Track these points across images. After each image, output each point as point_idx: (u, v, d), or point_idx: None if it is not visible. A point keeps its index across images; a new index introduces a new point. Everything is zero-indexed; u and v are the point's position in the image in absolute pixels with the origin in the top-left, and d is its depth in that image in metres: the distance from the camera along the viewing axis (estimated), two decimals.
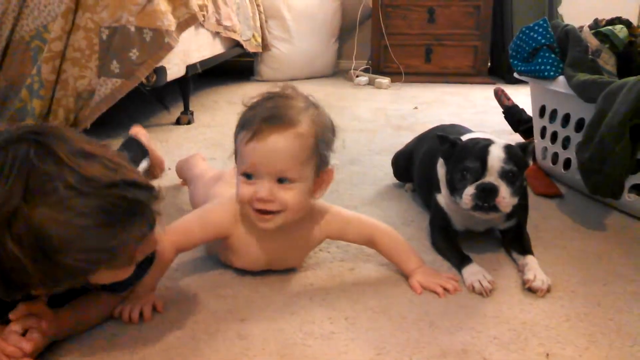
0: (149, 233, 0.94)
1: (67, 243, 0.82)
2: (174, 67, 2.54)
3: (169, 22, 2.34)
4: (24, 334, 0.94)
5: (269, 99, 1.15)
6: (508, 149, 1.34)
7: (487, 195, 1.30)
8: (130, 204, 0.87)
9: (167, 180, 1.92)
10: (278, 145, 1.10)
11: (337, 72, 4.59)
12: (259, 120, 1.10)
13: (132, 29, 2.27)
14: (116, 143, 2.21)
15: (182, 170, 1.83)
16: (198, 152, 1.98)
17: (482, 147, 1.34)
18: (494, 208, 1.31)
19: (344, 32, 4.60)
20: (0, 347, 0.92)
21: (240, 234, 1.23)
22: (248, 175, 1.13)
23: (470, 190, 1.31)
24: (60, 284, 0.88)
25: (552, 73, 1.85)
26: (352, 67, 4.39)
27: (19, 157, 0.82)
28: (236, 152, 1.17)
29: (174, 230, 1.21)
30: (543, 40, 1.88)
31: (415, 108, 3.27)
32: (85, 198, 0.82)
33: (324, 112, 1.19)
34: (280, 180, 1.12)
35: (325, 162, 1.18)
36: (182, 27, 2.47)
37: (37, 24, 2.26)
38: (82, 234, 0.83)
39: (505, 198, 1.30)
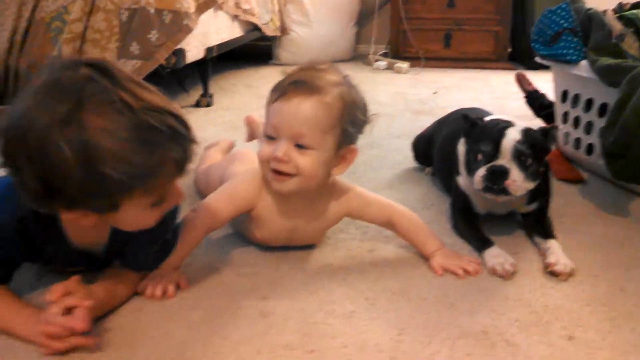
0: (182, 171, 0.95)
1: (111, 151, 0.85)
2: (193, 49, 2.54)
3: (188, 4, 2.34)
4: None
5: (305, 69, 1.18)
6: (526, 132, 1.32)
7: (497, 177, 1.29)
8: (173, 131, 0.90)
9: None
10: (300, 107, 1.11)
11: (356, 56, 4.57)
12: (287, 83, 1.13)
13: (152, 10, 2.27)
14: None
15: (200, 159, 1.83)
16: (225, 138, 1.97)
17: (499, 129, 1.33)
18: (504, 191, 1.30)
19: (363, 16, 4.57)
20: (45, 331, 0.93)
21: (264, 205, 1.24)
22: (270, 136, 1.15)
23: (481, 171, 1.31)
24: (95, 199, 0.89)
25: (574, 57, 1.83)
26: (371, 52, 4.37)
27: (80, 72, 0.86)
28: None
29: (202, 210, 1.22)
30: (566, 24, 1.86)
31: (435, 93, 3.25)
32: (134, 114, 0.86)
33: (358, 92, 1.20)
34: (299, 146, 1.13)
35: (349, 139, 1.19)
36: (201, 9, 2.47)
37: (58, 5, 2.27)
38: (126, 145, 0.85)
39: (516, 181, 1.29)
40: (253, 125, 1.82)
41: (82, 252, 1.08)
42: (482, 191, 1.33)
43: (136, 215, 0.96)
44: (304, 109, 1.11)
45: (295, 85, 1.12)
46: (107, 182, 0.86)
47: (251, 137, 1.85)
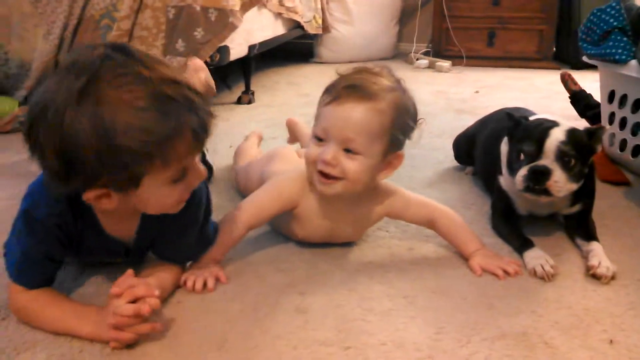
0: (199, 144, 0.95)
1: (127, 122, 0.86)
2: (237, 46, 2.57)
3: (234, 1, 2.38)
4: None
5: (359, 72, 1.18)
6: (571, 133, 1.30)
7: (538, 177, 1.28)
8: (189, 101, 0.91)
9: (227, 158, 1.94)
10: (353, 113, 1.12)
11: (397, 54, 4.56)
12: (342, 87, 1.13)
13: (198, 8, 2.31)
14: None
15: (236, 155, 1.85)
16: (255, 130, 1.99)
17: (543, 129, 1.31)
18: (546, 191, 1.28)
19: (405, 14, 4.54)
20: (113, 323, 0.95)
21: (307, 204, 1.25)
22: (319, 138, 1.16)
23: (523, 171, 1.30)
24: (113, 173, 0.89)
25: (623, 57, 1.79)
26: (413, 50, 4.35)
27: (98, 50, 0.89)
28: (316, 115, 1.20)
29: (246, 206, 1.24)
30: (615, 23, 1.82)
31: (477, 92, 3.22)
32: (149, 84, 0.87)
33: (410, 98, 1.20)
34: (347, 150, 1.14)
35: (397, 145, 1.20)
36: (246, 7, 2.50)
37: (107, 2, 2.33)
38: (142, 114, 0.86)
39: (558, 182, 1.27)
40: (295, 128, 1.84)
41: (117, 241, 1.10)
42: (523, 191, 1.32)
43: (158, 193, 0.96)
44: (355, 115, 1.12)
45: (350, 89, 1.12)
46: (124, 152, 0.86)
47: (293, 139, 1.86)
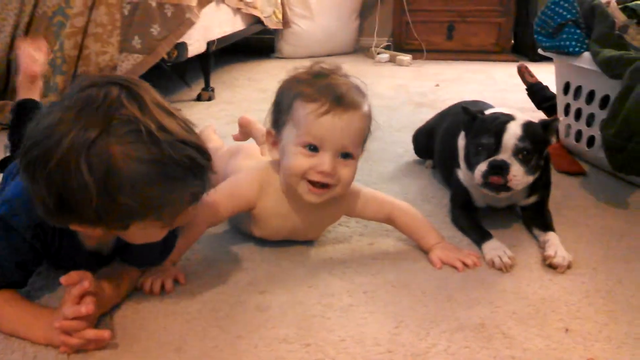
0: (198, 199, 0.96)
1: (132, 182, 0.85)
2: (195, 43, 2.54)
3: None
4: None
5: (331, 75, 1.15)
6: (527, 126, 1.32)
7: (497, 172, 1.29)
8: (195, 165, 0.91)
9: None
10: (352, 122, 1.12)
11: (358, 49, 4.56)
12: (334, 97, 1.10)
13: (154, 4, 2.27)
14: None
15: None
16: (210, 124, 1.97)
17: (499, 123, 1.33)
18: (504, 186, 1.30)
19: (365, 9, 4.55)
20: (60, 327, 0.93)
21: (264, 205, 1.24)
22: (311, 147, 1.13)
23: (482, 166, 1.31)
24: (106, 223, 0.90)
25: (577, 49, 1.82)
26: (373, 44, 4.36)
27: (111, 95, 0.86)
28: (285, 120, 1.16)
29: (203, 205, 1.22)
30: (569, 16, 1.85)
31: (437, 85, 3.24)
32: (159, 146, 0.86)
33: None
34: (342, 155, 1.14)
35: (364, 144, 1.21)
36: (203, 2, 2.47)
37: None
38: (147, 177, 0.86)
39: (517, 176, 1.29)
40: (249, 127, 1.82)
41: (93, 253, 1.08)
42: (482, 186, 1.33)
43: (145, 234, 0.97)
44: (353, 124, 1.12)
45: (344, 99, 1.11)
46: (123, 209, 0.87)
47: (244, 137, 1.85)
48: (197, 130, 0.97)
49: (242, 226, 1.34)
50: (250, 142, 1.64)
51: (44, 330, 0.96)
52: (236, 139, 1.86)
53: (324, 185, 1.15)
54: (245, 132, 1.83)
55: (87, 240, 1.05)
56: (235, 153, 1.49)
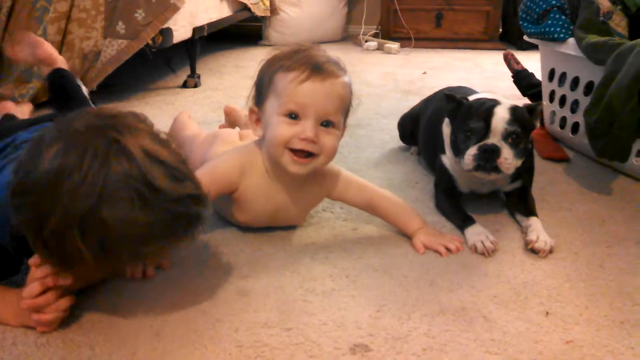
0: (194, 238, 0.95)
1: (126, 246, 0.85)
2: (181, 28, 2.52)
3: None
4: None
5: (308, 49, 1.16)
6: (513, 110, 1.32)
7: (489, 156, 1.29)
8: (189, 219, 0.91)
9: None
10: (333, 88, 1.12)
11: (346, 37, 4.54)
12: (313, 65, 1.11)
13: None
14: (122, 105, 2.22)
15: (175, 131, 1.82)
16: (185, 110, 1.96)
17: (487, 108, 1.32)
18: (496, 169, 1.30)
19: None
20: (29, 305, 0.92)
21: (246, 186, 1.23)
22: (292, 115, 1.13)
23: (472, 150, 1.31)
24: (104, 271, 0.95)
25: (562, 35, 1.82)
26: (361, 32, 4.34)
27: (99, 155, 0.82)
28: (266, 94, 1.16)
29: None
30: (554, 2, 1.85)
31: (424, 73, 3.24)
32: (152, 209, 0.84)
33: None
34: (324, 124, 1.14)
35: (346, 119, 1.21)
36: None
37: None
38: (141, 239, 0.86)
39: (508, 159, 1.29)
40: (234, 114, 1.82)
41: None
42: (473, 170, 1.33)
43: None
44: (335, 90, 1.13)
45: (324, 66, 1.12)
46: (119, 262, 0.91)
47: (231, 125, 1.84)
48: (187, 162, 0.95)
49: (225, 213, 1.33)
50: (227, 129, 1.63)
51: (14, 312, 0.95)
52: (222, 127, 1.86)
53: (308, 155, 1.14)
54: (231, 120, 1.83)
55: None
56: (213, 140, 1.48)
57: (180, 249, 1.00)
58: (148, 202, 0.83)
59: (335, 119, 1.15)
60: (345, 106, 1.17)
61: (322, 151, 1.15)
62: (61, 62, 1.69)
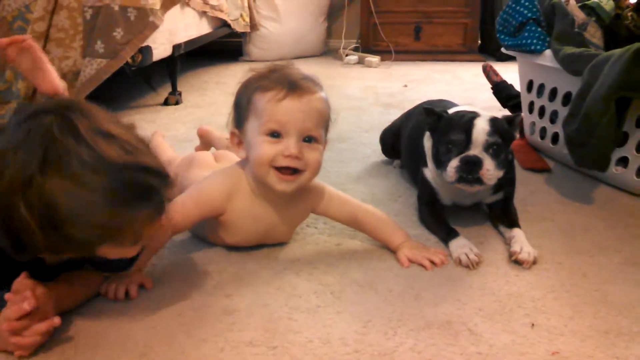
0: (157, 217, 0.93)
1: (74, 216, 0.83)
2: (160, 46, 2.51)
3: (153, 0, 2.31)
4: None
5: (283, 68, 1.18)
6: (493, 121, 1.33)
7: (471, 167, 1.30)
8: (141, 189, 0.88)
9: None
10: (311, 104, 1.14)
11: (327, 51, 4.56)
12: (290, 82, 1.13)
13: (116, 7, 2.24)
14: None
15: None
16: (157, 131, 1.95)
17: (467, 120, 1.34)
18: (478, 180, 1.30)
19: (333, 11, 4.56)
20: (8, 329, 0.90)
21: (233, 209, 1.22)
22: (274, 134, 1.13)
23: (454, 162, 1.31)
24: (67, 252, 0.90)
25: (538, 47, 1.84)
26: (342, 46, 4.37)
27: (43, 127, 0.85)
28: (246, 115, 1.16)
29: (169, 212, 1.21)
30: (529, 14, 1.88)
31: (405, 86, 3.26)
32: (96, 175, 0.84)
33: None
34: (306, 139, 1.15)
35: (327, 133, 1.23)
36: (167, 5, 2.44)
37: (19, 4, 2.23)
38: (89, 209, 0.84)
39: (490, 170, 1.30)
40: (208, 136, 1.83)
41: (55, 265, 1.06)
42: (456, 182, 1.33)
43: (116, 253, 0.94)
44: (313, 106, 1.14)
45: (299, 83, 1.14)
46: (74, 240, 0.85)
47: (206, 147, 1.85)
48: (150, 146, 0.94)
49: (210, 237, 1.32)
50: (203, 152, 1.61)
51: None
52: (198, 149, 1.86)
53: (293, 172, 1.15)
54: (206, 142, 1.84)
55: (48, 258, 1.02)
56: (189, 165, 1.48)
57: (149, 226, 0.93)
58: (92, 167, 0.84)
59: (316, 133, 1.15)
60: (324, 120, 1.18)
61: (307, 167, 1.16)
62: (63, 89, 1.67)
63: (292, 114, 1.12)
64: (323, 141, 1.19)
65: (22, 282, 0.93)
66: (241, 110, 1.18)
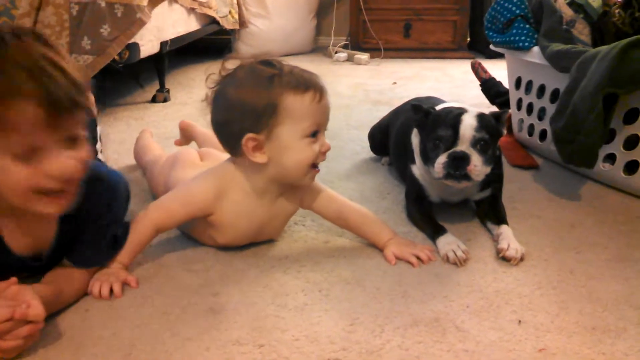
0: (52, 121, 0.87)
1: None
2: (148, 43, 2.50)
3: None
4: None
5: (292, 67, 1.18)
6: (480, 117, 1.33)
7: (458, 163, 1.30)
8: (34, 68, 0.85)
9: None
10: (328, 103, 1.20)
11: (316, 48, 4.56)
12: (315, 82, 1.16)
13: (103, 4, 2.22)
14: None
15: (138, 156, 1.81)
16: (146, 128, 1.94)
17: (454, 116, 1.33)
18: (466, 176, 1.30)
19: (322, 8, 4.55)
20: None
21: (226, 209, 1.21)
22: (314, 134, 1.17)
23: (442, 159, 1.31)
24: None
25: (526, 44, 1.84)
26: (331, 43, 4.36)
27: None
28: (275, 119, 1.13)
29: (155, 208, 1.20)
30: (517, 11, 1.88)
31: (394, 83, 3.26)
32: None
33: None
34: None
35: None
36: (154, 2, 2.43)
37: None
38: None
39: (477, 166, 1.30)
40: (189, 129, 1.82)
41: (27, 259, 1.05)
42: (443, 178, 1.33)
43: (11, 168, 0.88)
44: (329, 104, 1.20)
45: (318, 83, 1.16)
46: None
47: (186, 141, 1.84)
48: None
49: (200, 237, 1.31)
50: (189, 151, 1.58)
51: None
52: (178, 143, 1.86)
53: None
54: (186, 135, 1.83)
55: (14, 240, 1.02)
56: (173, 164, 1.47)
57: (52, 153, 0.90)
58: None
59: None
60: None
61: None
62: None
63: (323, 115, 1.18)
64: None
65: (9, 287, 0.92)
66: (261, 117, 1.12)
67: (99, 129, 1.81)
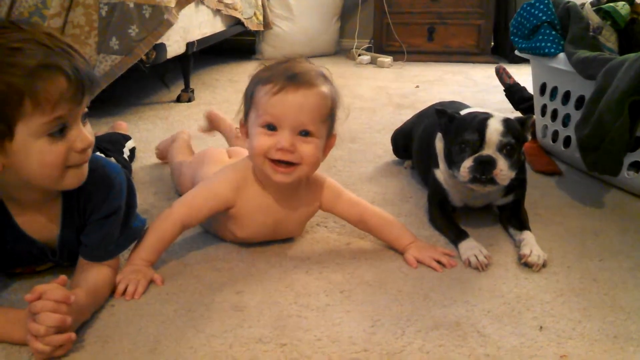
0: (75, 90, 0.93)
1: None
2: (174, 44, 2.53)
3: None
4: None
5: (289, 61, 1.19)
6: (506, 122, 1.33)
7: (484, 167, 1.30)
8: (61, 49, 0.92)
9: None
10: (306, 99, 1.14)
11: (339, 50, 4.57)
12: (288, 76, 1.14)
13: (131, 4, 2.26)
14: (116, 120, 2.22)
15: (166, 152, 1.83)
16: (184, 130, 1.95)
17: (480, 120, 1.34)
18: (492, 180, 1.30)
19: (346, 11, 4.56)
20: (30, 329, 0.91)
21: (244, 201, 1.24)
22: (270, 127, 1.15)
23: (468, 162, 1.31)
24: None
25: (552, 50, 1.84)
26: (354, 46, 4.37)
27: None
28: (250, 107, 1.19)
29: (180, 205, 1.23)
30: (544, 17, 1.87)
31: (417, 87, 3.26)
32: (23, 33, 0.90)
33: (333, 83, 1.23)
34: (302, 133, 1.15)
35: (333, 127, 1.23)
36: (181, 3, 2.46)
37: (36, 0, 2.25)
38: (11, 53, 0.88)
39: (503, 171, 1.30)
40: (216, 119, 1.84)
41: (40, 245, 1.08)
42: (469, 182, 1.33)
43: (36, 148, 0.92)
44: (308, 101, 1.14)
45: (297, 77, 1.14)
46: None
47: (210, 129, 1.87)
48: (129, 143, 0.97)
49: (220, 231, 1.33)
50: (216, 149, 1.61)
51: (23, 332, 0.93)
52: (201, 130, 1.88)
53: (288, 165, 1.16)
54: (212, 124, 1.86)
55: (26, 223, 1.05)
56: (201, 161, 1.50)
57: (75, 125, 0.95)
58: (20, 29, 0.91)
59: (312, 127, 1.16)
60: (322, 115, 1.17)
61: (303, 160, 1.16)
62: None
63: (286, 108, 1.13)
64: (322, 135, 1.19)
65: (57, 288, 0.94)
66: (246, 102, 1.21)
67: (129, 143, 1.85)
